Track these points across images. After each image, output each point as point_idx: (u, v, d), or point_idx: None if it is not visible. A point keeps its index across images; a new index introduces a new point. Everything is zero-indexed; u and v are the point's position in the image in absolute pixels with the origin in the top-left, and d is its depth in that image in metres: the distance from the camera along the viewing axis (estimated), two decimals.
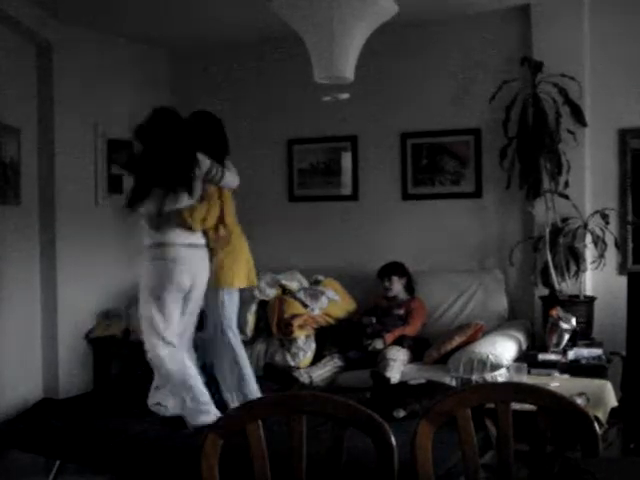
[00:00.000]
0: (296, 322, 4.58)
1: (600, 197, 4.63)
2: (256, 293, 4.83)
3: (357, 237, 5.33)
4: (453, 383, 3.98)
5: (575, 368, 3.94)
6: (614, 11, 4.61)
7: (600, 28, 4.63)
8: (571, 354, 4.08)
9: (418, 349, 4.43)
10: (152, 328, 3.69)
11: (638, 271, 4.37)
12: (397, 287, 4.76)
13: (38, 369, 5.05)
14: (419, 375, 4.08)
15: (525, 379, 3.51)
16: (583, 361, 4.04)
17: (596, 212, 4.48)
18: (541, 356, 4.07)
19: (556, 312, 4.16)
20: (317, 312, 4.72)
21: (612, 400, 3.53)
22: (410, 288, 4.84)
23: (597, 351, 4.14)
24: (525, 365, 3.66)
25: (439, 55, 5.08)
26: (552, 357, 4.05)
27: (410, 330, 4.57)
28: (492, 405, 1.87)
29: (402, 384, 3.95)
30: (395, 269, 4.79)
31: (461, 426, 1.81)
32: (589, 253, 4.55)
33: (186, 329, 3.85)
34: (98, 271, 5.30)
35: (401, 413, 3.52)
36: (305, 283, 5.10)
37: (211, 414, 3.59)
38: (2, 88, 4.62)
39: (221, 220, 3.87)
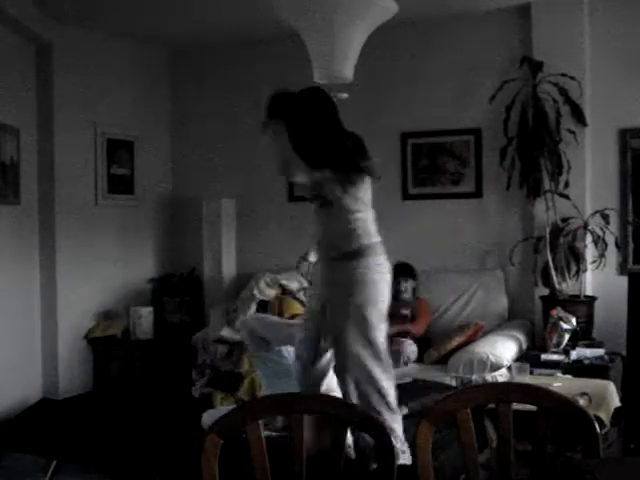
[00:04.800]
0: None
1: (600, 197, 4.62)
2: (256, 293, 4.82)
3: None
4: (453, 383, 3.97)
5: (577, 368, 3.93)
6: (614, 11, 4.61)
7: (600, 28, 4.62)
8: (573, 354, 4.07)
9: (420, 348, 4.42)
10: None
11: (638, 271, 4.37)
12: (410, 289, 4.76)
13: (38, 369, 5.05)
14: (420, 375, 4.07)
15: (527, 379, 3.50)
16: (585, 361, 4.02)
17: (596, 212, 4.47)
18: (543, 356, 4.06)
19: (556, 312, 4.16)
20: None
21: (615, 400, 3.52)
22: (414, 290, 4.85)
23: (599, 351, 4.12)
24: (527, 365, 3.64)
25: (439, 55, 5.08)
26: (554, 357, 4.04)
27: (417, 328, 4.56)
28: (493, 405, 1.86)
29: None
30: (411, 272, 4.78)
31: (461, 426, 1.80)
32: (589, 253, 4.55)
33: None
34: (98, 271, 5.30)
35: (404, 410, 3.50)
36: (305, 283, 5.10)
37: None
38: (2, 88, 4.61)
39: None
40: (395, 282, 4.72)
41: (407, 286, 4.74)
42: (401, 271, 4.75)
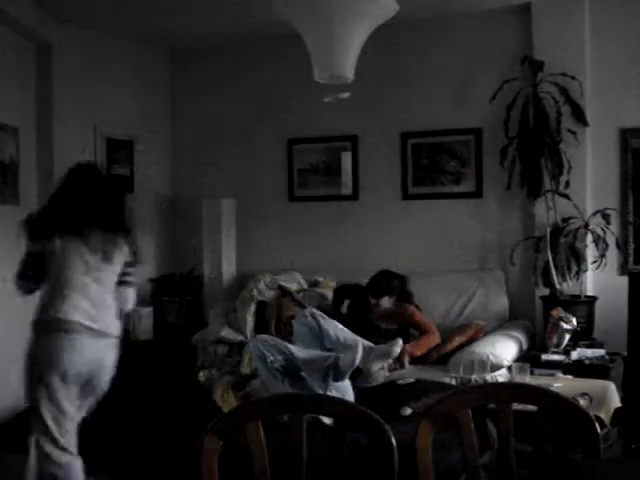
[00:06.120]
0: None
1: (601, 197, 4.62)
2: (255, 294, 4.81)
3: (357, 237, 5.31)
4: (453, 383, 3.96)
5: (578, 369, 3.92)
6: (615, 10, 4.61)
7: (601, 27, 4.62)
8: (574, 354, 4.06)
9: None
10: None
11: (639, 271, 4.36)
12: (385, 305, 4.47)
13: None
14: (420, 375, 4.05)
15: (528, 379, 3.49)
16: (586, 362, 4.01)
17: (597, 212, 4.47)
18: (544, 356, 4.05)
19: (557, 312, 4.15)
20: None
21: (615, 401, 3.51)
22: (405, 295, 4.60)
23: (600, 351, 4.11)
24: (528, 365, 3.63)
25: (439, 54, 5.07)
26: (555, 357, 4.03)
27: (416, 349, 4.25)
28: (493, 405, 1.86)
29: (390, 384, 3.92)
30: (380, 289, 4.43)
31: (462, 426, 1.80)
32: (590, 253, 4.54)
33: None
34: None
35: (408, 411, 3.50)
36: (304, 284, 5.09)
37: None
38: (1, 87, 4.60)
39: None
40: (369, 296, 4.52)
41: (381, 302, 4.44)
42: (374, 289, 4.46)
